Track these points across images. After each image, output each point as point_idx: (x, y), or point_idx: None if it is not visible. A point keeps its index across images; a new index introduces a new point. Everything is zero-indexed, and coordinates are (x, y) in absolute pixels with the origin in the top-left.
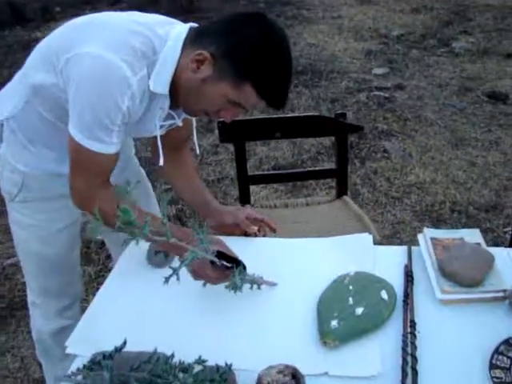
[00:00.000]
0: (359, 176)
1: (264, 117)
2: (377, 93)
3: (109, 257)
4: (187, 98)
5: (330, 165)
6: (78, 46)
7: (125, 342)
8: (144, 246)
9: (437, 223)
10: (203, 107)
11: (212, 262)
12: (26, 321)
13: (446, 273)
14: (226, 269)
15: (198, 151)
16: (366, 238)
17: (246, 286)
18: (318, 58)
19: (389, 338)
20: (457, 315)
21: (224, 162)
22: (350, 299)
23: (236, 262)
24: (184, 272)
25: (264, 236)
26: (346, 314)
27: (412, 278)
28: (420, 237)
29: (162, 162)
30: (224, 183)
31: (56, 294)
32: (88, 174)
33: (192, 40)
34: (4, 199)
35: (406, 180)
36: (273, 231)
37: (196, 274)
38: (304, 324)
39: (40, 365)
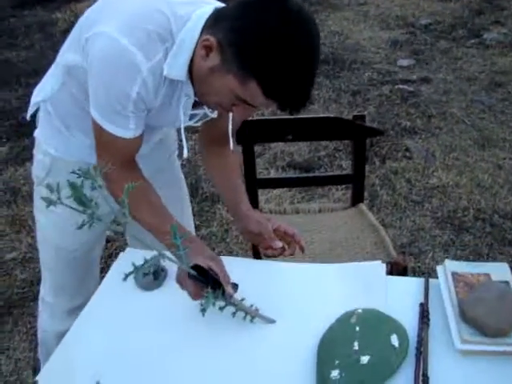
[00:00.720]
0: (378, 176)
1: (275, 117)
2: (401, 86)
3: (111, 255)
4: (200, 88)
5: (347, 163)
6: (97, 25)
7: None
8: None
9: (458, 232)
10: (214, 100)
11: (189, 274)
12: (24, 320)
13: (467, 318)
14: (204, 284)
15: (231, 146)
16: (379, 268)
17: (239, 316)
18: (341, 47)
19: None
20: (478, 370)
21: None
22: (356, 343)
23: (213, 281)
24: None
25: (291, 255)
26: (349, 362)
27: (428, 320)
28: (439, 269)
29: (186, 155)
30: None
31: (69, 292)
32: (109, 156)
33: (210, 23)
34: (13, 190)
35: (427, 183)
36: (301, 250)
37: (180, 285)
38: (301, 370)
39: (35, 370)
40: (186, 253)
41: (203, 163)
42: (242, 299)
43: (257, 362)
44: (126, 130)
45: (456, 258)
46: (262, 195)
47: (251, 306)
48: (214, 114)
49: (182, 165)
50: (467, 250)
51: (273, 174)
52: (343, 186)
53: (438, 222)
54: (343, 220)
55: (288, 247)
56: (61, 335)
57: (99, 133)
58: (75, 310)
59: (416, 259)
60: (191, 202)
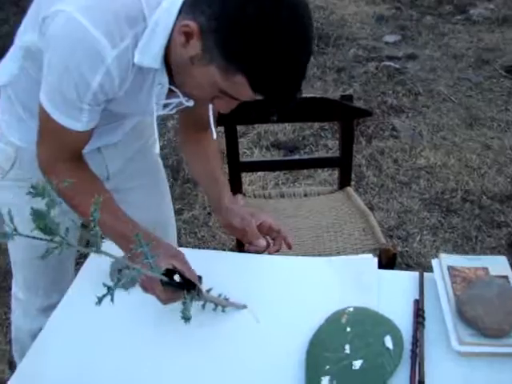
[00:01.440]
0: (364, 157)
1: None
2: (387, 63)
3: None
4: (178, 78)
5: (333, 143)
6: (56, 3)
7: None
8: (106, 263)
9: (447, 214)
10: (194, 92)
11: (161, 280)
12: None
13: (465, 317)
14: (178, 288)
15: (214, 135)
16: (370, 263)
17: (209, 308)
18: (326, 22)
19: None
20: (477, 372)
21: (220, 143)
22: (347, 347)
23: (188, 282)
24: (148, 303)
25: (277, 251)
26: (340, 367)
27: (423, 319)
28: (434, 263)
29: (157, 150)
30: None
31: (41, 290)
32: (52, 146)
33: (190, 3)
34: None
35: (415, 163)
36: (288, 247)
37: (146, 290)
38: (289, 376)
39: (11, 364)
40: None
41: (181, 150)
42: (209, 290)
43: (240, 367)
44: (76, 122)
45: (444, 241)
46: (246, 176)
47: (219, 295)
48: (190, 103)
49: (162, 146)
50: (456, 232)
51: (256, 153)
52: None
53: (425, 203)
54: (330, 204)
55: (273, 243)
56: (34, 333)
57: (45, 119)
58: (49, 308)
59: (404, 243)
60: (172, 184)
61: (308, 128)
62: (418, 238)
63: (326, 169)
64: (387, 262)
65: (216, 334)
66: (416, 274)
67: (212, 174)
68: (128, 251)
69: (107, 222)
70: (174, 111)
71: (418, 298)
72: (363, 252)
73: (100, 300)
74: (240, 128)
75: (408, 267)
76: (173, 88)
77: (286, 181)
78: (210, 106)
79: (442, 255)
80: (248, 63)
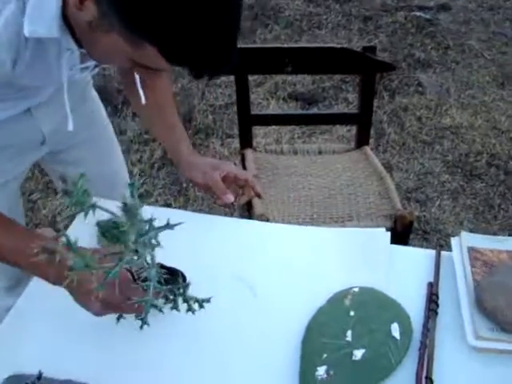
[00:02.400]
0: (386, 113)
1: (272, 46)
2: (417, 13)
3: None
4: (84, 44)
5: (354, 96)
6: None
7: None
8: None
9: (469, 178)
10: (106, 61)
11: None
12: None
13: (484, 308)
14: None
15: (143, 100)
16: (383, 237)
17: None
18: None
19: None
20: (493, 371)
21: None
22: (349, 333)
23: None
24: None
25: (247, 201)
26: (339, 356)
27: (436, 306)
28: (454, 242)
29: (70, 127)
30: (232, 110)
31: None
32: None
33: None
34: None
35: (439, 122)
36: (257, 196)
37: (104, 306)
38: (280, 365)
39: None
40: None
41: (131, 103)
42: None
43: (229, 353)
44: None
45: (465, 207)
46: (260, 128)
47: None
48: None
49: (174, 93)
50: (478, 198)
51: (273, 105)
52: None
53: (447, 166)
54: (345, 164)
55: (242, 192)
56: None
57: None
58: (14, 288)
59: (422, 207)
60: None
61: (328, 80)
62: (437, 203)
63: (344, 125)
64: (403, 229)
65: (209, 309)
66: (432, 252)
67: (167, 122)
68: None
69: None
70: (96, 71)
71: (432, 280)
72: (378, 218)
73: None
74: (256, 78)
75: (425, 234)
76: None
77: (302, 135)
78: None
79: (463, 233)
80: (154, 32)
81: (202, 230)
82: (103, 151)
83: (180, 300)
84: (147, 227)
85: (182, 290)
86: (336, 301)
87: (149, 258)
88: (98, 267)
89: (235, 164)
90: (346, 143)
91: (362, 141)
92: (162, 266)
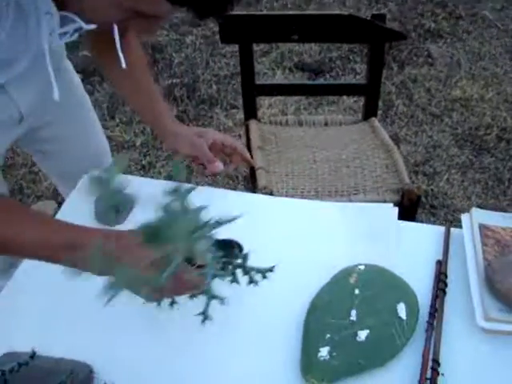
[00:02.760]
0: (395, 84)
1: (277, 13)
2: None
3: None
4: (70, 3)
5: (362, 67)
6: None
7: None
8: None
9: (479, 152)
10: (97, 18)
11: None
12: None
13: (495, 289)
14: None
15: (123, 64)
16: (390, 213)
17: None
18: None
19: (400, 380)
20: (503, 354)
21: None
22: (353, 313)
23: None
24: None
25: (235, 169)
26: (343, 337)
27: (445, 285)
28: (464, 219)
29: (56, 97)
30: (237, 80)
31: None
32: None
33: None
34: None
35: (449, 94)
36: (246, 163)
37: (173, 289)
38: (282, 345)
39: None
40: (111, 251)
41: (103, 72)
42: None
43: (229, 332)
44: None
45: (473, 181)
46: (265, 99)
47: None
48: (92, 26)
49: (178, 63)
50: (487, 173)
51: (278, 75)
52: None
53: (457, 139)
54: (352, 136)
55: (230, 160)
56: None
57: None
58: (7, 270)
59: (429, 181)
60: (187, 105)
61: (336, 49)
62: (445, 177)
63: (351, 96)
64: (410, 204)
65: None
66: (441, 229)
67: (141, 86)
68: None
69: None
70: (75, 37)
71: (440, 258)
72: (384, 192)
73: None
74: (261, 47)
75: (432, 208)
76: (66, 14)
77: (308, 106)
78: (116, 31)
79: (474, 210)
80: None
81: (204, 203)
82: (83, 125)
83: (240, 272)
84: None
85: (240, 261)
86: (340, 279)
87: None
88: (143, 281)
89: (239, 136)
90: (353, 115)
91: (369, 112)
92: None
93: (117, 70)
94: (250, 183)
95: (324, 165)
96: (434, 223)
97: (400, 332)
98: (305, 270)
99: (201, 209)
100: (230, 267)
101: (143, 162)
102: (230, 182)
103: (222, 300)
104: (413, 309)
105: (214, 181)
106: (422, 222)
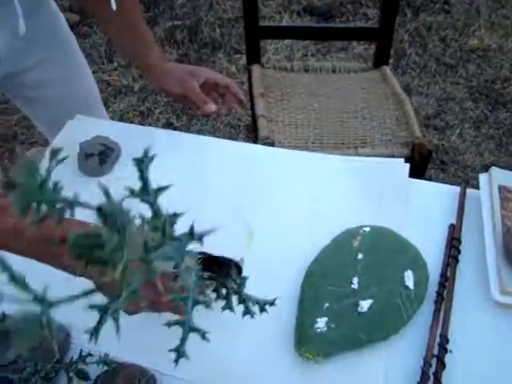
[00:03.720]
0: (408, 31)
1: None
2: None
3: None
4: None
5: (374, 13)
6: None
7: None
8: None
9: (494, 106)
10: None
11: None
12: None
13: None
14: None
15: (113, 6)
16: (400, 169)
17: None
18: None
19: (404, 356)
20: None
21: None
22: (355, 280)
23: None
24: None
25: (229, 111)
26: (343, 307)
27: (458, 252)
28: (482, 179)
29: (22, 32)
30: (242, 24)
31: None
32: None
33: None
34: None
35: (466, 43)
36: (240, 105)
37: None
38: (275, 316)
39: None
40: None
41: (95, 15)
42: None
43: None
44: None
45: (487, 137)
46: (271, 44)
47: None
48: None
49: (180, 5)
50: (502, 129)
51: (286, 19)
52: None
53: (471, 92)
54: (361, 84)
55: (223, 101)
56: None
57: None
58: None
59: (440, 135)
60: (188, 47)
61: None
62: (457, 131)
63: (362, 42)
64: (420, 159)
65: None
66: (456, 189)
67: (135, 29)
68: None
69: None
70: None
71: (454, 222)
72: (393, 145)
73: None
74: None
75: (442, 164)
76: None
77: (316, 52)
78: None
79: (493, 169)
80: None
81: (203, 153)
82: (69, 68)
83: (235, 299)
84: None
85: (235, 286)
86: (343, 241)
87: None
88: None
89: (242, 83)
90: (363, 63)
91: (380, 60)
92: (209, 257)
93: (106, 11)
94: (252, 132)
95: (330, 115)
96: (443, 181)
97: (406, 303)
98: (303, 231)
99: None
100: (224, 291)
101: (141, 108)
102: (231, 130)
103: (203, 334)
104: (421, 277)
105: (216, 129)
106: (431, 178)
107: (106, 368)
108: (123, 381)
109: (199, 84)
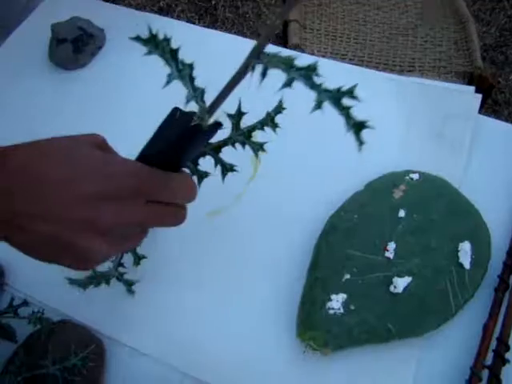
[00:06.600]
0: None
1: None
2: None
3: None
4: None
5: None
6: None
7: None
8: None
9: None
10: None
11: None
12: None
13: None
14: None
15: None
16: (469, 101)
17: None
18: None
19: (444, 363)
20: None
21: None
22: (391, 246)
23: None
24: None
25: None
26: (369, 282)
27: None
28: None
29: None
30: None
31: None
32: None
33: None
34: None
35: None
36: None
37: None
38: (277, 283)
39: None
40: None
41: None
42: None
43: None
44: None
45: None
46: None
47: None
48: None
49: None
50: None
51: None
52: None
53: None
54: None
55: None
56: None
57: None
58: None
59: (498, 70)
60: None
61: None
62: None
63: None
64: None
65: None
66: None
67: None
68: None
69: None
70: None
71: None
72: (447, 74)
73: None
74: None
75: (495, 105)
76: None
77: None
78: None
79: None
80: None
81: (225, 51)
82: None
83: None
84: None
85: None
86: (380, 188)
87: None
88: None
89: None
90: None
91: None
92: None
93: None
94: (281, 40)
95: (376, 28)
96: None
97: (457, 287)
98: (327, 168)
99: None
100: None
101: (160, 4)
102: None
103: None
104: (482, 254)
105: (239, 30)
106: None
107: (38, 326)
108: (57, 349)
109: None
